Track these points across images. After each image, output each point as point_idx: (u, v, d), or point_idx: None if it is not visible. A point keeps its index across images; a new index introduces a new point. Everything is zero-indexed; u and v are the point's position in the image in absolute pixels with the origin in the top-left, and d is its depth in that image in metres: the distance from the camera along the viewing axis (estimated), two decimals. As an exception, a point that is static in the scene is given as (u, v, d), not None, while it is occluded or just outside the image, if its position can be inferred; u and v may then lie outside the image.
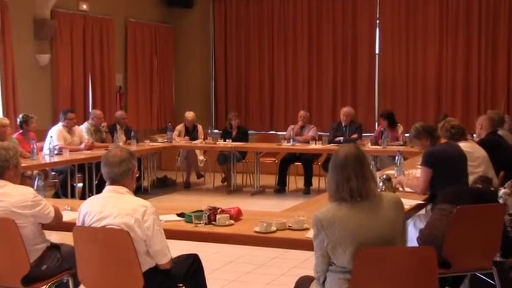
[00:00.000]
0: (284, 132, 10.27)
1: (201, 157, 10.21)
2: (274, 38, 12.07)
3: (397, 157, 5.63)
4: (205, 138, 10.17)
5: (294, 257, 5.49)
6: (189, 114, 10.29)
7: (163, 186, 10.12)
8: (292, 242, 3.55)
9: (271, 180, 9.83)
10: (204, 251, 4.16)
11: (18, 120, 7.87)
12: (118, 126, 9.46)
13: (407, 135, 7.53)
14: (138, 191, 8.63)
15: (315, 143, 9.23)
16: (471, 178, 4.69)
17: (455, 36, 10.94)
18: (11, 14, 8.93)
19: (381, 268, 2.93)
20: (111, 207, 3.37)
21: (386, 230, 2.95)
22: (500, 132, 6.34)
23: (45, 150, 7.76)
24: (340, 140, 9.14)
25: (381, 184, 4.40)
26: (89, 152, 8.18)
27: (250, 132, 10.73)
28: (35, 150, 7.34)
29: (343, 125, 9.49)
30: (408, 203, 4.18)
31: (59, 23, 9.82)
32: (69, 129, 8.35)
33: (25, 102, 9.10)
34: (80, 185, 8.33)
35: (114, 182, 3.46)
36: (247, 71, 12.29)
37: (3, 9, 8.83)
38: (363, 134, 9.58)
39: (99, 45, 10.63)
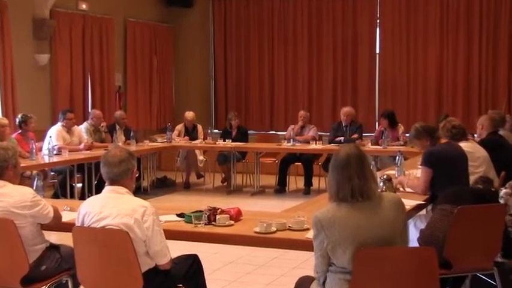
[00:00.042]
0: (284, 132, 10.25)
1: (200, 157, 10.20)
2: (274, 37, 12.05)
3: (397, 157, 5.61)
4: (205, 138, 10.16)
5: (294, 257, 5.49)
6: (189, 114, 10.28)
7: (163, 186, 10.11)
8: (292, 243, 3.54)
9: (271, 180, 9.82)
10: (204, 251, 4.15)
11: (17, 120, 7.85)
12: (117, 126, 9.45)
13: (407, 135, 7.52)
14: (138, 191, 8.61)
15: (315, 143, 9.22)
16: (472, 178, 4.69)
17: (456, 35, 10.92)
18: (10, 14, 8.92)
19: (381, 269, 2.93)
20: (111, 207, 3.36)
21: (387, 230, 2.94)
22: (501, 132, 6.33)
23: (44, 151, 7.75)
24: (340, 140, 9.12)
25: (381, 184, 4.39)
26: (88, 152, 8.17)
27: (250, 132, 10.72)
28: (34, 151, 7.33)
29: (343, 125, 9.47)
30: (409, 203, 4.17)
31: (58, 23, 9.80)
32: (69, 129, 8.34)
33: (24, 102, 9.09)
34: (79, 185, 8.31)
35: (113, 182, 3.45)
36: (247, 71, 12.28)
37: (2, 9, 8.81)
38: (363, 134, 9.56)
39: (99, 45, 10.62)
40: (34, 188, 4.19)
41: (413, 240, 4.04)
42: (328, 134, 9.91)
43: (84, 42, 10.33)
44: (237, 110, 11.56)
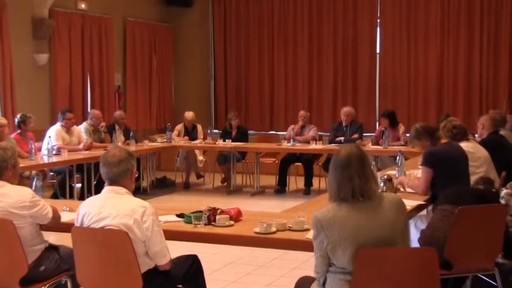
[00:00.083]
0: (284, 132, 10.24)
1: (200, 157, 10.19)
2: (274, 37, 12.04)
3: (398, 157, 5.59)
4: (204, 138, 10.14)
5: (294, 258, 5.48)
6: (189, 114, 10.26)
7: (163, 186, 10.09)
8: (293, 243, 3.53)
9: (271, 180, 9.81)
10: (204, 251, 4.15)
11: (16, 120, 7.84)
12: (117, 126, 9.44)
13: (408, 135, 7.51)
14: (137, 192, 8.60)
15: (316, 143, 9.21)
16: (473, 179, 4.68)
17: (456, 35, 10.91)
18: (9, 13, 8.90)
19: (381, 269, 2.92)
20: (110, 207, 3.35)
21: (387, 231, 2.93)
22: (502, 132, 6.31)
23: (44, 151, 7.74)
24: (341, 140, 9.10)
25: (382, 184, 4.37)
26: (87, 152, 8.15)
27: (250, 132, 10.70)
28: (33, 151, 7.32)
29: (343, 125, 9.45)
30: (409, 203, 4.16)
31: (57, 23, 9.79)
32: (68, 129, 8.32)
33: (23, 102, 9.08)
34: (79, 185, 8.30)
35: (113, 183, 3.44)
36: (247, 71, 12.26)
37: (1, 9, 8.80)
38: (364, 134, 9.55)
39: (98, 45, 10.60)
40: (33, 188, 4.18)
41: (413, 241, 4.03)
42: (328, 134, 9.89)
43: (83, 42, 10.32)
44: (237, 109, 11.54)
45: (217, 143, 9.73)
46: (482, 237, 3.81)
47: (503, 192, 4.29)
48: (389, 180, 4.53)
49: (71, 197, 7.88)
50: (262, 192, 9.69)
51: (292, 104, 11.94)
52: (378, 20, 11.44)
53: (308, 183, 9.49)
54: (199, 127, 10.34)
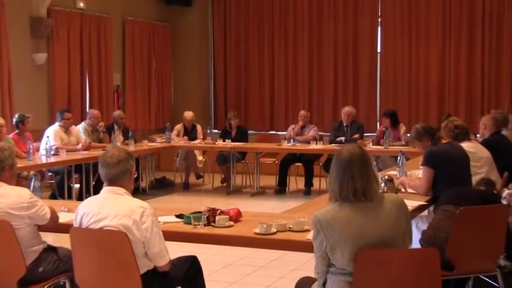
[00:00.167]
0: (284, 132, 10.22)
1: (200, 157, 10.16)
2: (275, 36, 12.01)
3: (399, 157, 5.57)
4: (204, 138, 10.12)
5: (294, 259, 5.47)
6: (188, 114, 10.24)
7: (162, 187, 10.07)
8: (293, 244, 3.52)
9: (271, 181, 9.79)
10: (203, 252, 4.13)
11: (14, 120, 7.81)
12: (116, 126, 9.42)
13: (409, 135, 7.48)
14: (136, 192, 8.59)
15: (316, 143, 9.18)
16: (474, 179, 4.66)
17: (458, 34, 10.88)
18: (7, 13, 8.88)
19: (382, 270, 2.91)
20: (109, 208, 3.34)
21: (388, 232, 2.92)
22: (504, 132, 6.29)
23: (42, 151, 7.72)
24: (341, 140, 9.07)
25: (382, 185, 4.35)
26: (86, 152, 8.13)
27: (250, 132, 10.68)
28: (31, 151, 7.30)
29: (344, 124, 9.43)
30: (410, 204, 4.14)
31: (56, 22, 9.76)
32: (66, 129, 8.30)
33: (21, 101, 9.06)
34: (77, 185, 8.28)
35: (111, 183, 3.42)
36: (246, 70, 12.24)
37: (-1, 8, 8.78)
38: (365, 134, 9.52)
39: (97, 44, 10.58)
40: (31, 188, 4.20)
41: (415, 242, 4.00)
42: (329, 134, 9.86)
43: (82, 41, 10.29)
44: (236, 109, 11.49)
45: (216, 143, 9.70)
46: (484, 238, 3.79)
47: (506, 192, 4.27)
48: (390, 180, 4.50)
49: (70, 197, 7.87)
50: (262, 192, 9.67)
51: (292, 103, 11.91)
52: (379, 19, 11.41)
53: (308, 183, 9.47)
54: (198, 127, 10.32)
